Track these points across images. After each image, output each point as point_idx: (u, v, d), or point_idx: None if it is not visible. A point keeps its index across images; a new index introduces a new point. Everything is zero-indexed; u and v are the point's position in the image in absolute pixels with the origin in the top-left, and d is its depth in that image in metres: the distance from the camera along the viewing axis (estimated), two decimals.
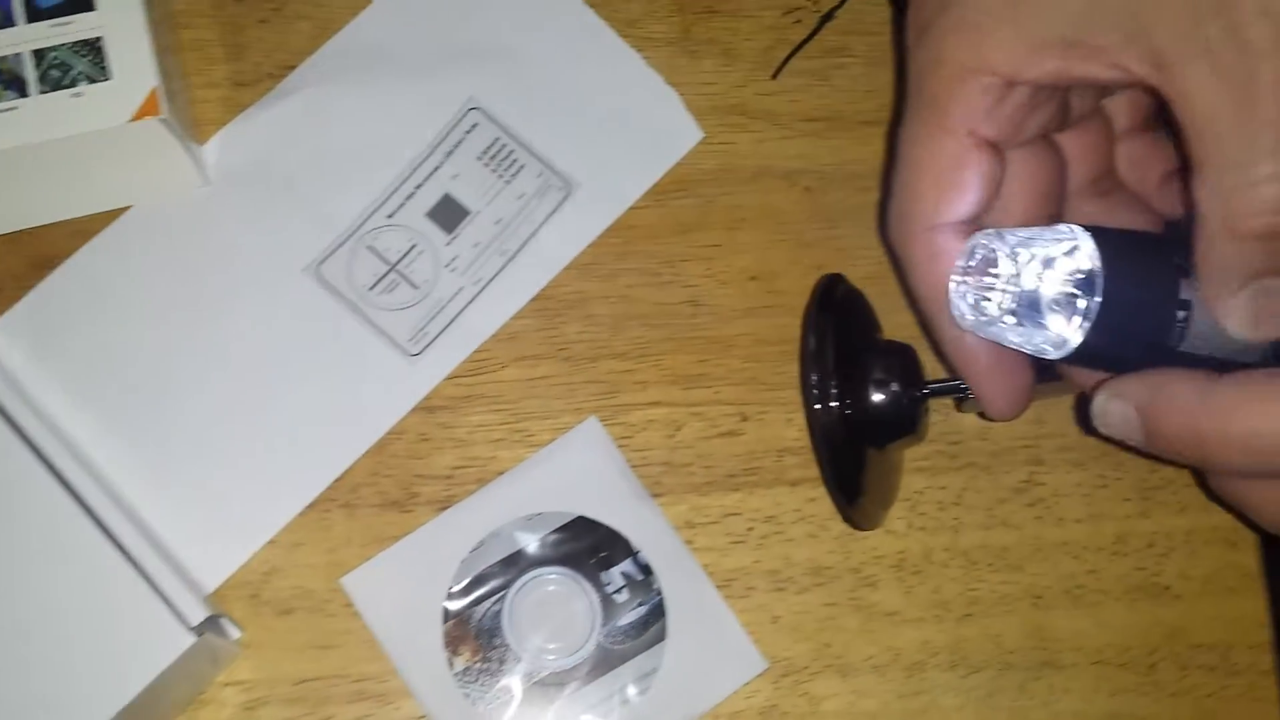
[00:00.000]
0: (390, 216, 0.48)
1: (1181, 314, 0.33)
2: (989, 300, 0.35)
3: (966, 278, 0.36)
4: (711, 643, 0.45)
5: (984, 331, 0.36)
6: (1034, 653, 0.46)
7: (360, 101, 0.49)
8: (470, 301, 0.48)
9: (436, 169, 0.48)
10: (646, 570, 0.46)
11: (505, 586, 0.45)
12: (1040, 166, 0.38)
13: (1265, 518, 0.35)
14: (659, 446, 0.47)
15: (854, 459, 0.43)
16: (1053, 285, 0.34)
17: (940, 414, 0.47)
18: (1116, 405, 0.34)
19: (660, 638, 0.45)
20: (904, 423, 0.43)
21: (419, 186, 0.48)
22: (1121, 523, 0.47)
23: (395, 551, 0.45)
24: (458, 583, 0.45)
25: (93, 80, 0.43)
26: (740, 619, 0.46)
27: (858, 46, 0.51)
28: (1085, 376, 0.39)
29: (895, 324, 0.47)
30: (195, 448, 0.46)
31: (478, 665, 0.45)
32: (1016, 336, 0.35)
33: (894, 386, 0.43)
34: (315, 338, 0.47)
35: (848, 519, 0.44)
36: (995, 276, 0.35)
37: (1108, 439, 0.36)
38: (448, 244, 0.48)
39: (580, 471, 0.46)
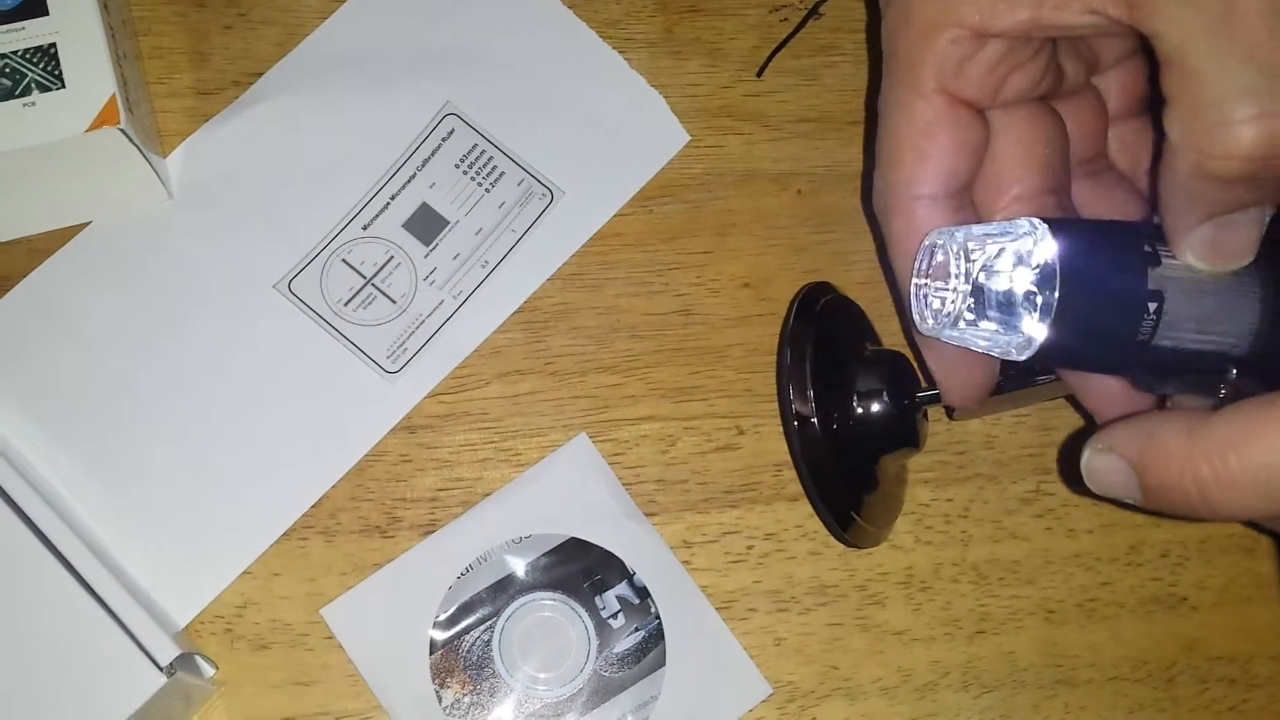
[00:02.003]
0: (365, 228, 0.46)
1: (1153, 305, 0.32)
2: (941, 302, 0.34)
3: (924, 279, 0.34)
4: (713, 668, 0.43)
5: (946, 336, 0.34)
6: (1048, 670, 0.44)
7: (330, 109, 0.47)
8: (451, 315, 0.45)
9: (412, 178, 0.46)
10: (643, 593, 0.43)
11: (495, 614, 0.43)
12: (1036, 131, 0.35)
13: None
14: (652, 463, 0.45)
15: (843, 475, 0.41)
16: (1012, 282, 0.32)
17: (944, 423, 0.45)
18: (1105, 461, 0.31)
19: (659, 664, 0.43)
20: (895, 434, 0.42)
21: (394, 196, 0.46)
22: (1134, 532, 0.45)
23: (377, 580, 0.43)
24: (444, 611, 0.43)
25: (46, 89, 0.41)
26: (742, 642, 0.44)
27: (846, 44, 0.49)
28: (1074, 375, 0.37)
29: (894, 330, 0.45)
30: (162, 475, 0.44)
31: (467, 698, 0.42)
32: (983, 339, 0.33)
33: (882, 396, 0.41)
34: (288, 357, 0.45)
35: (840, 538, 0.42)
36: (951, 276, 0.33)
37: (1102, 498, 0.32)
38: (426, 256, 0.46)
39: (571, 491, 0.44)
